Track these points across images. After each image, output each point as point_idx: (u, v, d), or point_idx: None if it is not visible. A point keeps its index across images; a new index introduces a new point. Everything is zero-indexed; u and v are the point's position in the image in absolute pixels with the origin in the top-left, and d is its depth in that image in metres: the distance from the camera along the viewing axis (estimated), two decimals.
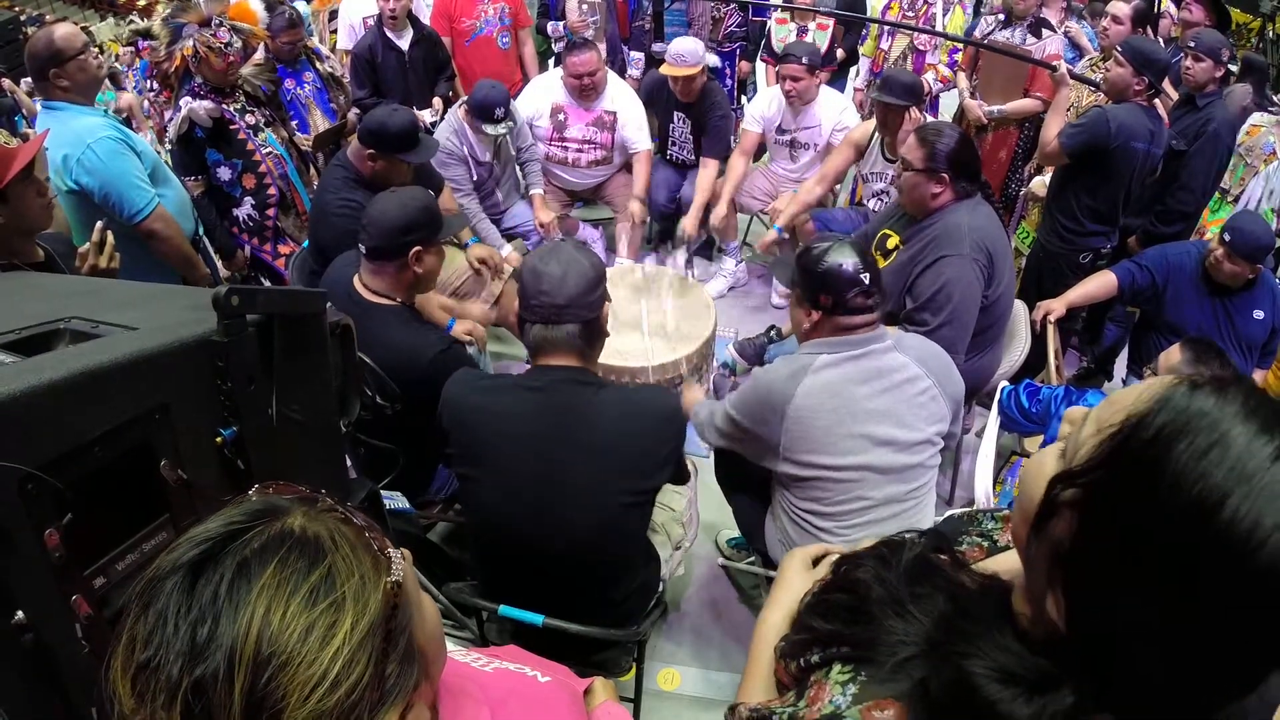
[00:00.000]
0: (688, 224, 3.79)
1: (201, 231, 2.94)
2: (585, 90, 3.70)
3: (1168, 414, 0.56)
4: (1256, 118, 3.22)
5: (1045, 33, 4.02)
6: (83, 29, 2.99)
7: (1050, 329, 2.80)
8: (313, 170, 3.41)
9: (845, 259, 1.85)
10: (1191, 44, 3.23)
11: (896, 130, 3.31)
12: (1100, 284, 2.91)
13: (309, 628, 0.59)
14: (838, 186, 4.06)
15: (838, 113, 3.76)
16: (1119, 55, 2.97)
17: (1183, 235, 3.28)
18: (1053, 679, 0.59)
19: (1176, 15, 4.19)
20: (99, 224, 1.95)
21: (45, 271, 1.85)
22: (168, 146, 3.28)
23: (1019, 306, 2.89)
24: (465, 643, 1.91)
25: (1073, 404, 2.27)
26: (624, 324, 2.90)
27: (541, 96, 3.83)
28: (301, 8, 4.82)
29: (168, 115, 3.33)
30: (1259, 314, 2.74)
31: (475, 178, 3.62)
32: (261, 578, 0.60)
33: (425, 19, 4.34)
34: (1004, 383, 2.59)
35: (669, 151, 4.13)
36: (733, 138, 4.16)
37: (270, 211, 3.17)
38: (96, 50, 2.62)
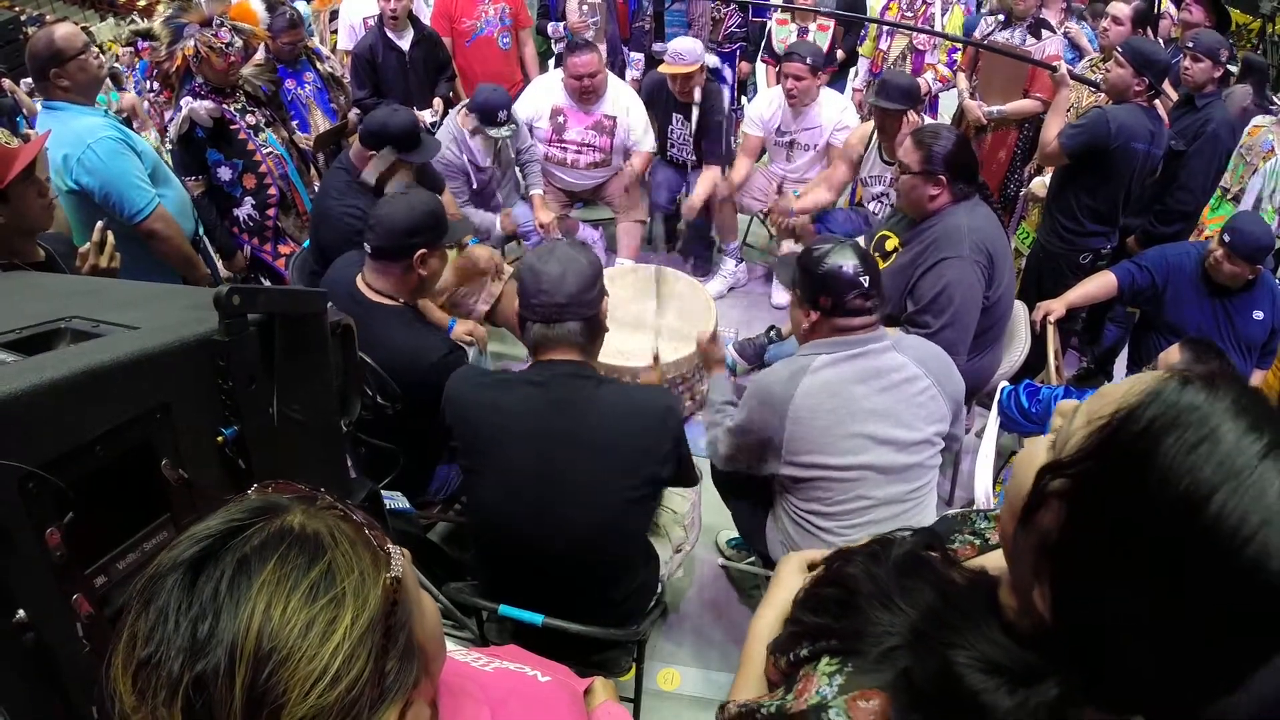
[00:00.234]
0: (690, 203, 3.82)
1: (201, 231, 2.95)
2: (585, 92, 3.70)
3: (1158, 407, 0.56)
4: (1259, 119, 3.22)
5: (1045, 33, 4.03)
6: (83, 29, 2.99)
7: (1050, 329, 2.80)
8: (313, 170, 3.41)
9: (845, 261, 1.86)
10: (1190, 44, 3.23)
11: (895, 133, 3.31)
12: (1100, 284, 2.91)
13: (309, 623, 0.60)
14: (841, 192, 4.07)
15: (838, 112, 3.76)
16: (1119, 56, 2.97)
17: (1182, 235, 3.28)
18: (1037, 671, 0.60)
19: (1176, 16, 4.19)
20: (99, 224, 1.95)
21: (46, 271, 1.85)
22: (168, 146, 3.29)
23: (1019, 307, 2.89)
24: (465, 642, 1.91)
25: None
26: (624, 323, 2.91)
27: (541, 98, 3.83)
28: (302, 8, 4.81)
29: (168, 115, 3.33)
30: (1259, 314, 2.75)
31: (475, 185, 3.63)
32: (262, 574, 0.60)
33: (426, 19, 4.34)
34: (1004, 383, 2.59)
35: (669, 152, 4.13)
36: (733, 139, 4.17)
37: (270, 211, 3.17)
38: (97, 50, 2.62)
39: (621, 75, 4.37)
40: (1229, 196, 3.22)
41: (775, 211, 3.67)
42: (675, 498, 2.17)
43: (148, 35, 3.12)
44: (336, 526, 0.66)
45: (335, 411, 1.22)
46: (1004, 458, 2.72)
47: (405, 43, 4.02)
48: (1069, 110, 3.30)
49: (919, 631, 0.69)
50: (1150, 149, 2.97)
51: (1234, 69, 3.96)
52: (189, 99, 2.92)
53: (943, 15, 4.41)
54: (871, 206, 3.61)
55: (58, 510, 0.80)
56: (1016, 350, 2.84)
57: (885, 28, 4.54)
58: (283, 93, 3.51)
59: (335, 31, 4.82)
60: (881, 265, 2.59)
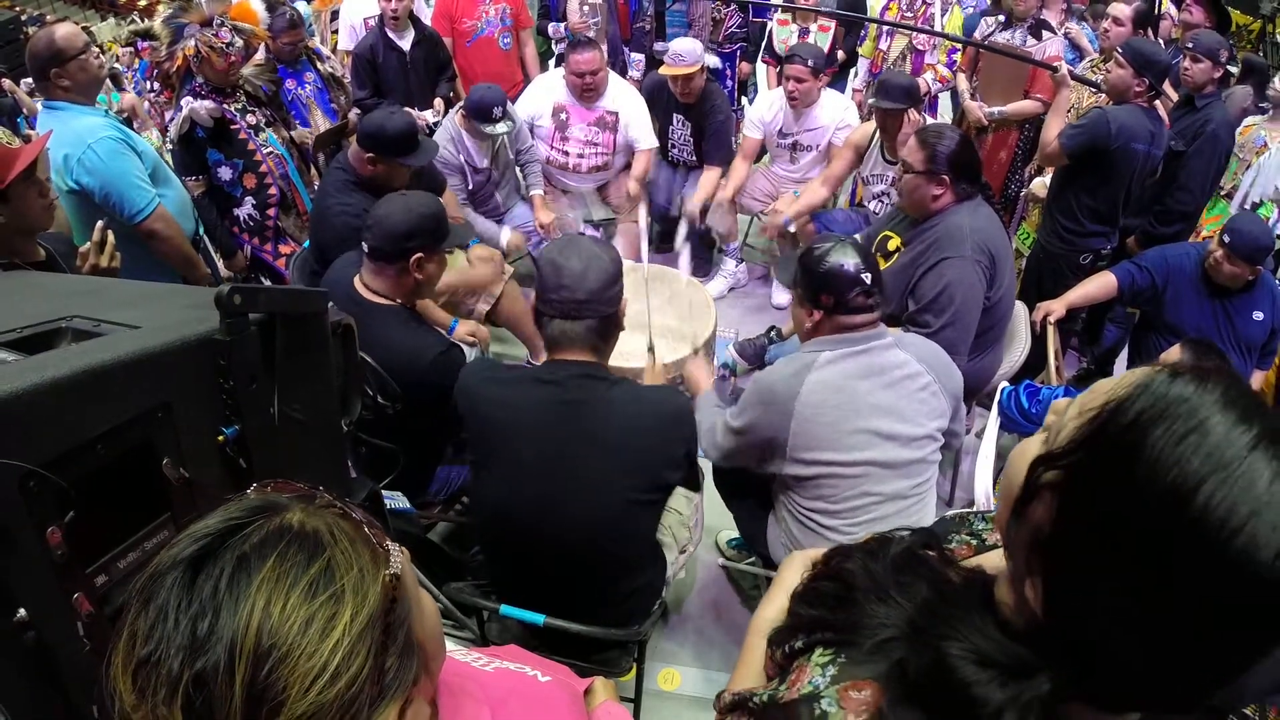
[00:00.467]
0: (691, 204, 3.81)
1: (202, 231, 2.95)
2: (587, 90, 3.70)
3: (1147, 399, 0.56)
4: (1250, 118, 3.24)
5: (1045, 34, 4.03)
6: (83, 29, 2.99)
7: (1050, 330, 2.80)
8: (313, 170, 3.42)
9: (847, 259, 1.87)
10: (1190, 45, 3.23)
11: (896, 133, 3.32)
12: (1100, 285, 2.91)
13: (309, 620, 0.60)
14: (839, 188, 4.07)
15: (840, 111, 3.76)
16: (1119, 57, 2.97)
17: (1181, 236, 3.28)
18: (1030, 665, 0.60)
19: (1177, 17, 4.19)
20: (99, 223, 1.95)
21: (46, 271, 1.85)
22: (169, 146, 3.29)
23: (1019, 307, 2.89)
24: (465, 642, 1.91)
25: None
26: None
27: (543, 96, 3.83)
28: (302, 8, 4.82)
29: (168, 115, 3.33)
30: (1258, 315, 2.75)
31: (471, 186, 3.63)
32: (261, 571, 0.60)
33: (426, 19, 4.34)
34: (1004, 383, 2.60)
35: (669, 153, 4.13)
36: (734, 139, 4.17)
37: (271, 211, 3.17)
38: (97, 50, 2.62)
39: (622, 76, 4.37)
40: (1223, 193, 3.24)
41: (769, 229, 3.67)
42: (680, 499, 2.17)
43: (148, 35, 3.12)
44: (335, 524, 0.66)
45: (336, 411, 1.22)
46: (1004, 458, 2.71)
47: (406, 43, 4.02)
48: (1069, 111, 3.30)
49: (914, 624, 0.69)
50: (1150, 149, 2.97)
51: (1234, 70, 3.97)
52: (189, 99, 2.92)
53: (942, 15, 4.41)
54: (872, 205, 3.61)
55: (59, 509, 0.80)
56: (1017, 350, 2.84)
57: (885, 28, 4.54)
58: (283, 93, 3.51)
59: (336, 31, 4.82)
60: (883, 265, 2.59)
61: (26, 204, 1.75)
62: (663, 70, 3.79)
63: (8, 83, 6.16)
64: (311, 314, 1.12)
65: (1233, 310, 2.76)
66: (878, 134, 3.47)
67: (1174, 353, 2.21)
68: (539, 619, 1.74)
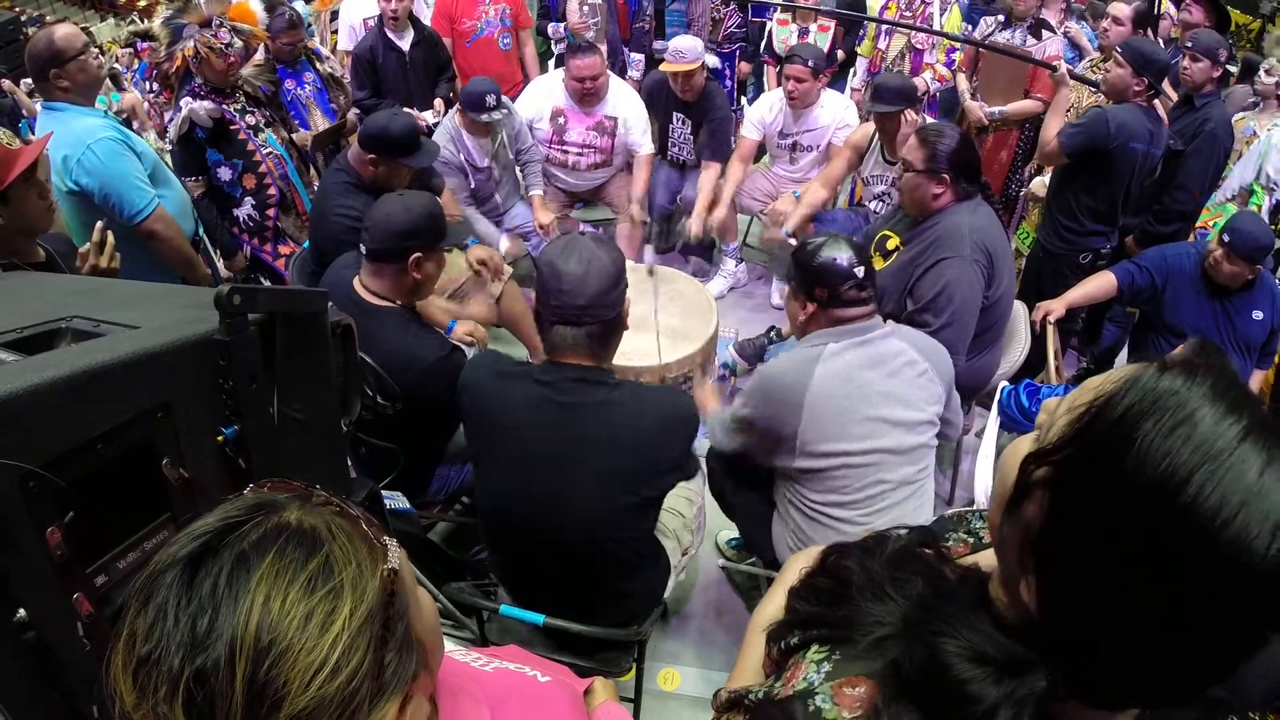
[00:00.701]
0: (693, 227, 3.80)
1: (201, 231, 2.95)
2: (587, 95, 3.71)
3: (1136, 393, 0.56)
4: (1239, 112, 3.25)
5: (1045, 34, 4.03)
6: (83, 30, 2.99)
7: (1050, 330, 2.81)
8: (313, 170, 3.42)
9: (839, 253, 1.90)
10: (1189, 44, 3.24)
11: (895, 134, 3.32)
12: (1100, 284, 2.91)
13: (308, 615, 0.60)
14: (838, 188, 4.07)
15: (840, 111, 3.76)
16: (1118, 56, 2.98)
17: (1180, 235, 3.29)
18: (1026, 663, 0.60)
19: (1176, 16, 4.20)
20: (99, 224, 1.95)
21: (46, 271, 1.85)
22: (168, 147, 3.29)
23: (1019, 307, 2.89)
24: (465, 643, 1.91)
25: None
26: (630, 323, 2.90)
27: (542, 98, 3.83)
28: (302, 8, 4.82)
29: (168, 116, 3.33)
30: (1258, 314, 2.75)
31: (472, 185, 3.63)
32: (260, 568, 0.60)
33: (426, 20, 4.34)
34: (1004, 383, 2.60)
35: (669, 152, 4.13)
36: (733, 139, 4.17)
37: (270, 212, 3.18)
38: (97, 51, 2.62)
39: (622, 76, 4.37)
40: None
41: (768, 240, 3.67)
42: (682, 501, 2.17)
43: (147, 36, 3.13)
44: (333, 521, 0.67)
45: (336, 411, 1.22)
46: None
47: (405, 43, 4.02)
48: (1069, 110, 3.30)
49: (909, 621, 0.69)
50: (1149, 149, 2.97)
51: (1233, 69, 3.97)
52: (188, 99, 2.92)
53: (941, 15, 4.41)
54: (873, 205, 3.61)
55: (59, 509, 0.80)
56: (1016, 350, 2.84)
57: (884, 27, 4.54)
58: (282, 93, 3.52)
59: (335, 32, 4.83)
60: (882, 264, 2.60)
61: (26, 205, 1.75)
62: (663, 67, 3.79)
63: (7, 83, 6.16)
64: (311, 314, 1.12)
65: (1232, 310, 2.76)
66: (877, 135, 3.47)
67: (1178, 356, 2.21)
68: (539, 619, 1.74)
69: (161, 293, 1.34)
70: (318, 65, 3.81)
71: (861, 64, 4.77)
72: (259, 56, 3.50)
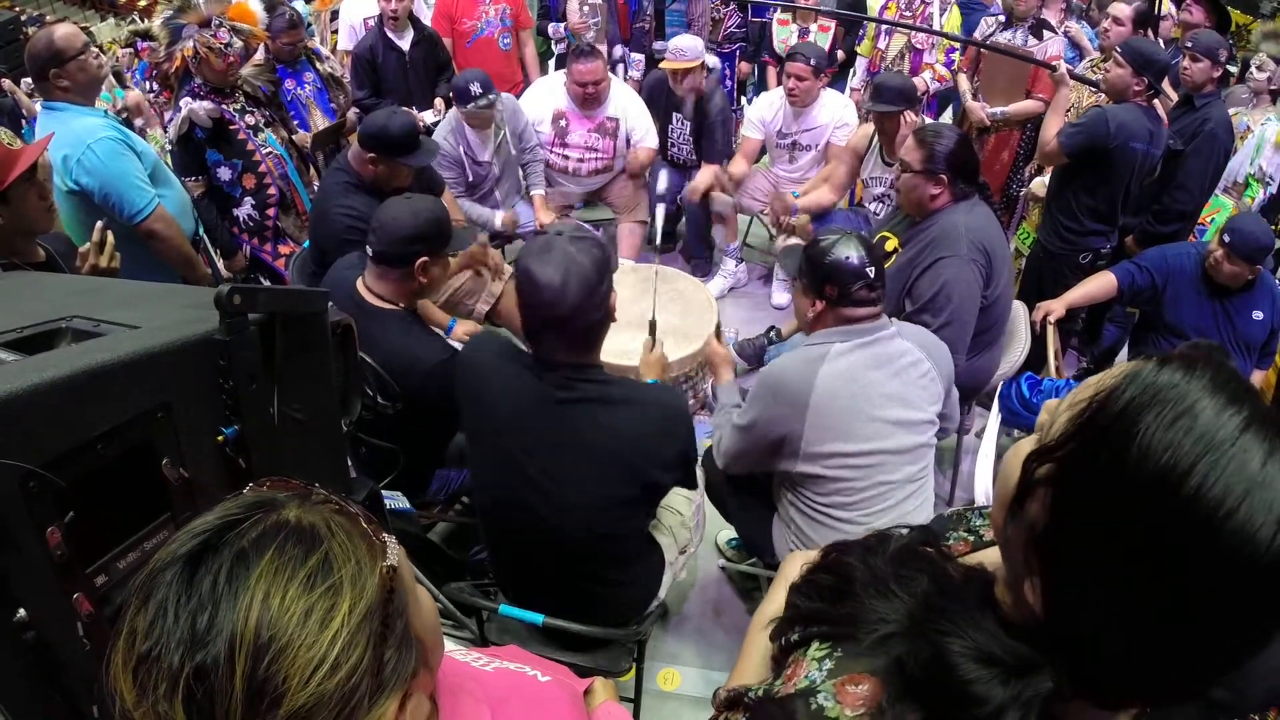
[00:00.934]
0: (693, 186, 3.84)
1: (201, 231, 2.95)
2: (589, 99, 3.71)
3: (1136, 387, 0.56)
4: (1232, 108, 3.26)
5: (1046, 34, 4.03)
6: (83, 29, 2.99)
7: (1050, 330, 2.81)
8: (313, 170, 3.42)
9: (851, 252, 1.90)
10: (1189, 44, 3.24)
11: (894, 134, 3.32)
12: (1100, 284, 2.91)
13: (307, 611, 0.60)
14: (845, 193, 4.07)
15: (839, 111, 3.77)
16: (1118, 56, 2.98)
17: (1180, 235, 3.29)
18: (1031, 664, 0.59)
19: (1177, 16, 4.20)
20: (99, 224, 1.95)
21: (46, 271, 1.85)
22: (167, 147, 3.29)
23: (1019, 307, 2.89)
24: (465, 643, 1.91)
25: None
26: (625, 323, 2.90)
27: (544, 100, 3.84)
28: (302, 8, 4.82)
29: (167, 116, 3.33)
30: (1258, 315, 2.75)
31: (470, 178, 3.62)
32: (259, 565, 0.60)
33: (426, 20, 4.35)
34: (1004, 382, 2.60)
35: (669, 152, 4.13)
36: (733, 139, 4.17)
37: (270, 211, 3.18)
38: (97, 50, 2.62)
39: (622, 76, 4.38)
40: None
41: (774, 209, 3.66)
42: (680, 500, 2.17)
43: (147, 36, 3.13)
44: (332, 518, 0.67)
45: (336, 411, 1.22)
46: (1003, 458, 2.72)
47: (405, 43, 4.03)
48: (1069, 110, 3.30)
49: (914, 619, 0.69)
50: (1149, 149, 2.97)
51: (1233, 69, 3.97)
52: (188, 100, 2.92)
53: (941, 14, 4.41)
54: (873, 207, 3.62)
55: (59, 509, 0.80)
56: (1016, 350, 2.84)
57: (884, 27, 4.54)
58: (282, 93, 3.52)
59: (335, 32, 4.83)
60: None
61: (26, 205, 1.75)
62: (663, 65, 3.79)
63: (7, 83, 6.15)
64: (311, 314, 1.12)
65: (1233, 310, 2.76)
66: (876, 136, 3.47)
67: (1177, 351, 2.21)
68: (538, 619, 1.74)
69: (161, 293, 1.34)
70: (318, 65, 3.82)
71: (861, 64, 4.77)
72: (259, 56, 3.50)
